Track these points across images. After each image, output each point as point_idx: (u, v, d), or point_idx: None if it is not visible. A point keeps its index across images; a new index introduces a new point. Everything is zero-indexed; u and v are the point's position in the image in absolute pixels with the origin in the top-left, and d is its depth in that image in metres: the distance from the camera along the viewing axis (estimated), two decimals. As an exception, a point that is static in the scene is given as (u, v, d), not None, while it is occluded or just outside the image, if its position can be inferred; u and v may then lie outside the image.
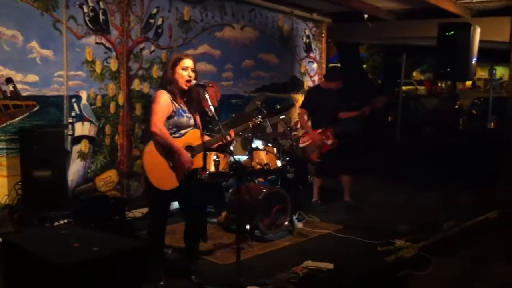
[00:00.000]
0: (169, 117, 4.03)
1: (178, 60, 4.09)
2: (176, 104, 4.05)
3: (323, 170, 6.69)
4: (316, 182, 6.78)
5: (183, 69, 4.06)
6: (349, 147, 6.55)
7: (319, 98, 6.53)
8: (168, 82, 4.09)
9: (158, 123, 3.96)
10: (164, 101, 4.01)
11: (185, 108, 4.12)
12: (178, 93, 4.10)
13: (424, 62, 31.25)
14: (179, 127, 4.07)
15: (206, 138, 4.23)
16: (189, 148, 4.09)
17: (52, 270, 3.05)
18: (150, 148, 4.01)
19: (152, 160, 4.00)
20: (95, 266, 3.16)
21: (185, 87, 4.07)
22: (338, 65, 10.92)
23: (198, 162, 4.19)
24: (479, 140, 9.99)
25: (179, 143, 4.05)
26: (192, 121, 4.13)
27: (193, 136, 4.14)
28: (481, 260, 5.51)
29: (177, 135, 4.08)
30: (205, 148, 4.22)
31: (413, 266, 5.05)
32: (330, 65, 9.74)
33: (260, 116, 4.53)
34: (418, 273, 4.96)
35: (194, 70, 4.11)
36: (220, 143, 4.27)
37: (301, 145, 6.67)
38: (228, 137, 4.20)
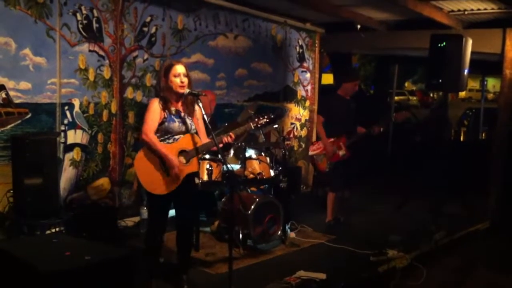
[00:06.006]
0: (160, 123, 4.06)
1: (170, 67, 4.10)
2: (167, 111, 4.07)
3: (337, 182, 6.30)
4: (330, 198, 6.33)
5: (175, 76, 4.07)
6: (357, 160, 6.22)
7: (335, 105, 6.28)
8: (162, 90, 4.11)
9: (147, 131, 4.02)
10: (154, 109, 4.06)
11: (179, 114, 4.13)
12: (173, 99, 4.12)
13: (416, 73, 31.43)
14: (170, 132, 4.08)
15: (199, 142, 4.22)
16: (183, 152, 4.11)
17: (42, 278, 3.03)
18: (142, 154, 4.07)
19: (144, 166, 4.05)
20: (86, 275, 3.15)
21: (181, 91, 4.09)
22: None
23: (193, 166, 4.20)
24: (470, 150, 10.06)
25: (172, 148, 4.07)
26: (184, 127, 4.14)
27: (187, 141, 4.15)
28: (472, 270, 5.54)
29: (170, 140, 4.10)
30: (199, 152, 4.22)
31: (405, 276, 5.07)
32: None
33: (265, 116, 4.50)
34: (410, 283, 4.97)
35: (186, 75, 4.12)
36: (214, 148, 4.24)
37: (310, 153, 6.44)
38: (229, 138, 4.24)
